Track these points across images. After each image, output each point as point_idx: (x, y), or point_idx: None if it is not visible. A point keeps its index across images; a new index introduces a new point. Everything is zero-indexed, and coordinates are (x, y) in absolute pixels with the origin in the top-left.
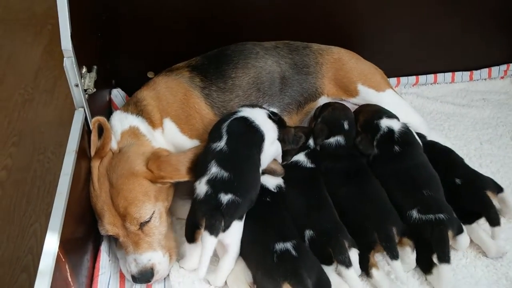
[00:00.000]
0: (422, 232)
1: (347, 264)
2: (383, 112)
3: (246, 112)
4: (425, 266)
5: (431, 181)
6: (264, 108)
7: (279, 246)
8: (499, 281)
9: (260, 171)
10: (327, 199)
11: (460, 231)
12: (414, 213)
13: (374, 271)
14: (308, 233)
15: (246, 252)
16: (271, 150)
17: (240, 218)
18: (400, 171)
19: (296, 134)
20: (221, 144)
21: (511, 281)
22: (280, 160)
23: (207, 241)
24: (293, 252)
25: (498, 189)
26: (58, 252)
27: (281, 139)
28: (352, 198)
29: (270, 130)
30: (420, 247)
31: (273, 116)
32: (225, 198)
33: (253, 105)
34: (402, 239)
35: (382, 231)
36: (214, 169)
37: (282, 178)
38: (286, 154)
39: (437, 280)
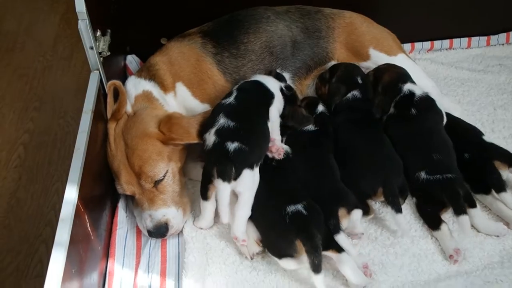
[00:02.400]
0: (431, 191)
1: (333, 230)
2: (408, 77)
3: (259, 77)
4: (432, 223)
5: (442, 146)
6: (278, 81)
7: (291, 208)
8: (505, 241)
9: (269, 125)
10: (329, 165)
11: (472, 205)
12: (422, 174)
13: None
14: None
15: (257, 215)
16: (275, 115)
17: (250, 167)
18: (412, 134)
19: (305, 115)
20: (230, 99)
21: None
22: (277, 132)
23: (221, 188)
24: (304, 212)
25: None
26: (77, 202)
27: (285, 114)
28: (364, 147)
29: (278, 97)
30: (427, 206)
31: (285, 90)
32: (232, 146)
33: (267, 73)
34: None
35: (387, 185)
36: (222, 120)
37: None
38: (286, 129)
39: (445, 236)
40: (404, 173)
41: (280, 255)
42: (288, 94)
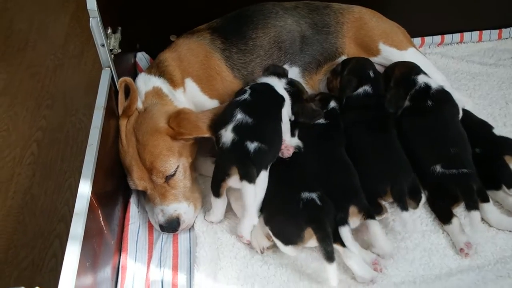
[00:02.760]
0: (445, 185)
1: (339, 222)
2: (420, 70)
3: (265, 79)
4: (444, 217)
5: (459, 140)
6: (281, 78)
7: (305, 195)
8: None
9: (282, 126)
10: (340, 159)
11: (485, 199)
12: (438, 168)
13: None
14: (320, 192)
15: (269, 198)
16: (285, 116)
17: (266, 168)
18: (429, 127)
19: (314, 109)
20: (245, 95)
21: None
22: (288, 134)
23: (248, 191)
24: (318, 202)
25: None
26: (91, 197)
27: (294, 111)
28: (374, 147)
29: (287, 98)
30: (440, 200)
31: (288, 87)
32: (251, 146)
33: (269, 73)
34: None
35: (396, 183)
36: (239, 116)
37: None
38: (297, 125)
39: (456, 230)
40: (419, 166)
41: (287, 242)
42: (292, 91)
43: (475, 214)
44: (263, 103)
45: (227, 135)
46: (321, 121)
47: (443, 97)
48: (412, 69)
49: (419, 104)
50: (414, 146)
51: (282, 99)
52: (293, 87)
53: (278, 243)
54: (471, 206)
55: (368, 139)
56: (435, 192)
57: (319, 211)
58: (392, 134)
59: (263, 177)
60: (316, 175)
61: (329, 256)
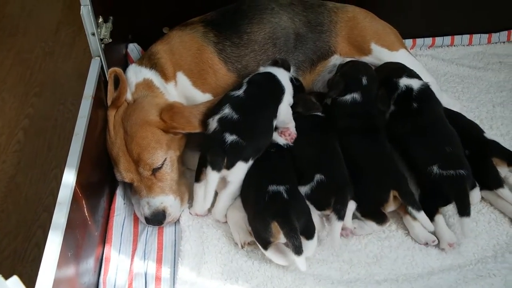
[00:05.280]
0: (441, 186)
1: (341, 216)
2: (403, 71)
3: (270, 69)
4: (429, 214)
5: (452, 137)
6: (288, 72)
7: (272, 188)
8: (499, 236)
9: (274, 122)
10: (338, 152)
11: (473, 186)
12: (435, 169)
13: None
14: (318, 176)
15: (245, 193)
16: (286, 108)
17: (245, 160)
18: (420, 127)
19: (314, 102)
20: (239, 92)
21: (511, 237)
22: (292, 124)
23: (210, 175)
24: (285, 195)
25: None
26: (75, 187)
27: (294, 101)
28: (369, 155)
29: (289, 89)
30: (431, 200)
31: (294, 81)
32: (229, 138)
33: (278, 65)
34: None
35: (402, 188)
36: (227, 110)
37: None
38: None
39: (437, 228)
40: (415, 168)
41: (262, 242)
42: (298, 84)
43: (466, 221)
44: (256, 98)
45: (213, 124)
46: (319, 113)
47: (426, 97)
48: (393, 72)
49: (405, 107)
50: (408, 151)
51: (281, 92)
52: (298, 81)
53: (260, 248)
54: (464, 212)
55: (362, 147)
56: (428, 193)
57: (285, 205)
58: (384, 140)
59: (241, 168)
60: (314, 162)
61: (298, 250)
